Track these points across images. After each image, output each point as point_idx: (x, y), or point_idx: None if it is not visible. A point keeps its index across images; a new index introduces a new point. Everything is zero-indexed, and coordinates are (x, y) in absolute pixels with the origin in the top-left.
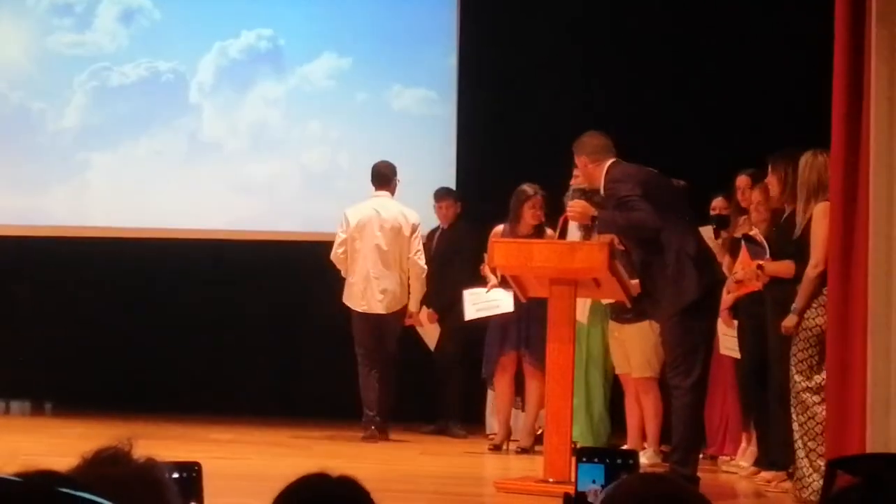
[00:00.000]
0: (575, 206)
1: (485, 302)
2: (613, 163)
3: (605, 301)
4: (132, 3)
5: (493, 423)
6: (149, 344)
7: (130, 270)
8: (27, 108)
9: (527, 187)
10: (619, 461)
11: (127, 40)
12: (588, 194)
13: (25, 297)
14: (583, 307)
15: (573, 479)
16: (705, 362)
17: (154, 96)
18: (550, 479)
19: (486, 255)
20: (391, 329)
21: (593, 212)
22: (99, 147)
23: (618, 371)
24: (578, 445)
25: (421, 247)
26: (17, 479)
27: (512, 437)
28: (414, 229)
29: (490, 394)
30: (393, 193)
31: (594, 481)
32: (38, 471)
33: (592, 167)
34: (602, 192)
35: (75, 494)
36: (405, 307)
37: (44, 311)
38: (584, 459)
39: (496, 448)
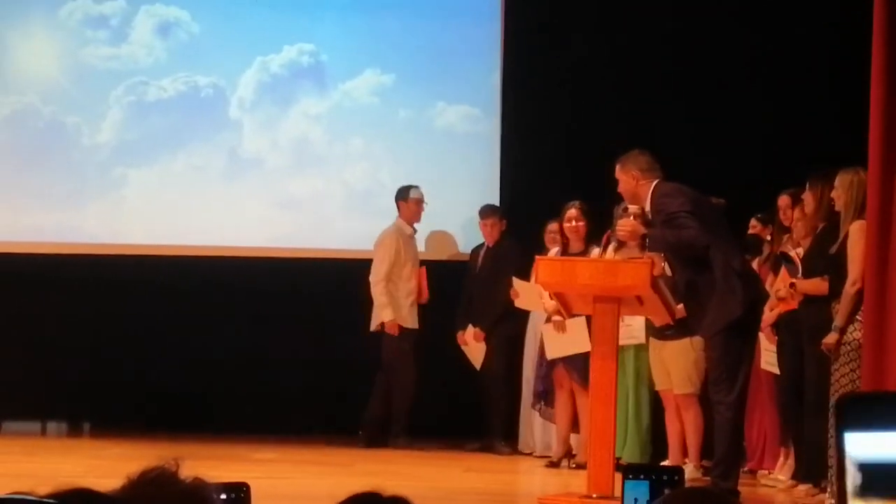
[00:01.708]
0: (625, 224)
1: (566, 341)
2: (660, 181)
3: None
4: (169, 15)
5: (528, 439)
6: (188, 363)
7: (169, 288)
8: (61, 123)
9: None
10: (664, 478)
11: (164, 54)
12: (642, 213)
13: (61, 315)
14: (640, 327)
15: (617, 495)
16: (746, 378)
17: (193, 111)
18: (594, 495)
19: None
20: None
21: (643, 230)
22: (136, 163)
23: (658, 387)
24: (622, 461)
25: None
26: (51, 501)
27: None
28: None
29: (529, 410)
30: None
31: (636, 500)
32: (74, 489)
33: (640, 185)
34: (649, 209)
35: None
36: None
37: (80, 330)
38: (630, 476)
39: (554, 465)
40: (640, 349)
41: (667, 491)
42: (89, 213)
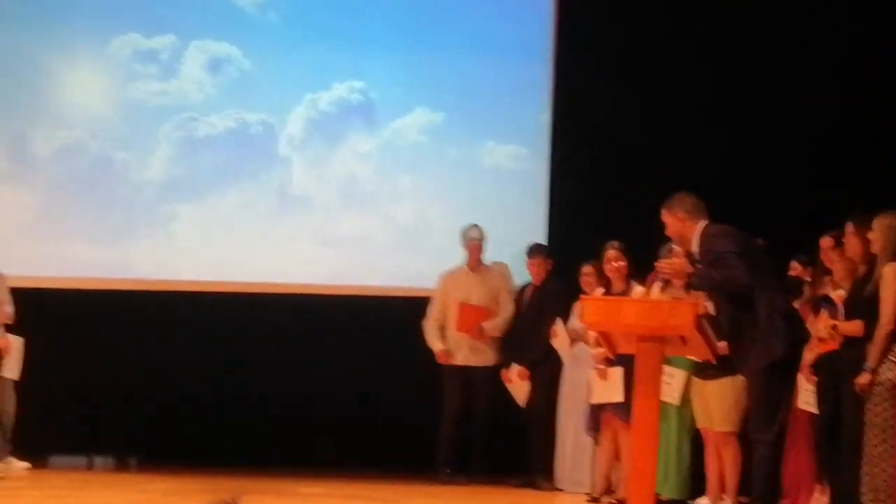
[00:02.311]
0: (671, 264)
1: (606, 388)
2: (708, 223)
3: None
4: (220, 51)
5: (561, 473)
6: (234, 398)
7: (217, 324)
8: (109, 158)
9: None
10: None
11: (214, 90)
12: (688, 254)
13: (108, 350)
14: (679, 386)
15: None
16: (785, 417)
17: (242, 148)
18: None
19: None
20: None
21: (689, 269)
22: (184, 199)
23: (699, 425)
24: (662, 497)
25: None
26: None
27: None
28: None
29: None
30: None
31: None
32: None
33: (687, 225)
34: (697, 249)
35: None
36: None
37: (127, 365)
38: None
39: (594, 500)
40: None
41: None
42: (137, 249)
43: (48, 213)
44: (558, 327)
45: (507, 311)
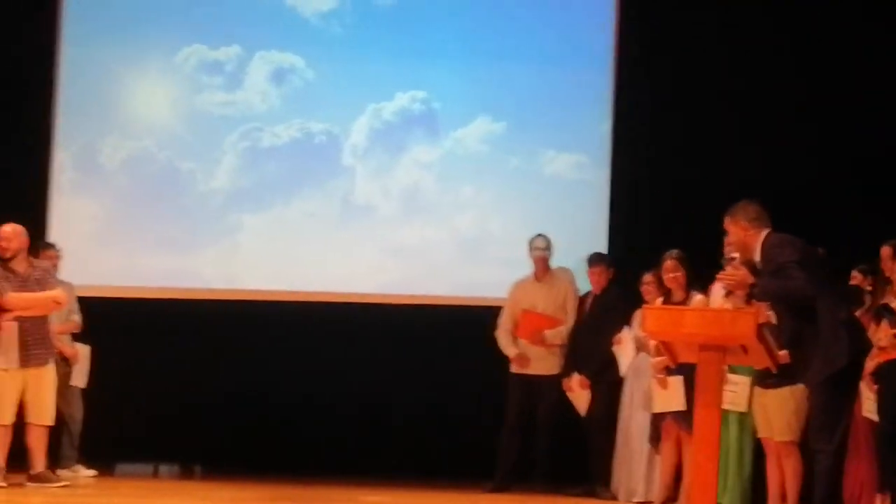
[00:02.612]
0: (733, 275)
1: (666, 397)
2: (770, 232)
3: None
4: (284, 62)
5: (620, 483)
6: (297, 406)
7: (281, 333)
8: (176, 168)
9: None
10: None
11: (279, 100)
12: (750, 263)
13: (174, 359)
14: (744, 394)
15: None
16: (846, 427)
17: (306, 158)
18: None
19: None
20: None
21: (750, 280)
22: (250, 208)
23: (760, 434)
24: None
25: None
26: None
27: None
28: None
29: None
30: None
31: None
32: None
33: (750, 234)
34: (759, 259)
35: None
36: None
37: (192, 374)
38: None
39: None
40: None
41: None
42: (203, 259)
43: (115, 222)
44: (624, 334)
45: (571, 319)
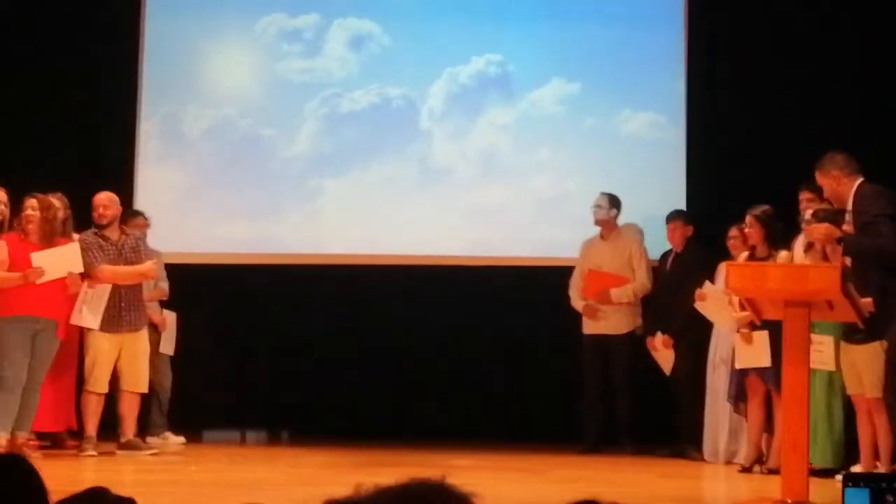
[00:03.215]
0: (819, 228)
1: (751, 353)
2: (864, 181)
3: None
4: (362, 29)
5: (713, 444)
6: (383, 371)
7: (364, 297)
8: (257, 135)
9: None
10: (884, 485)
11: (357, 66)
12: (833, 215)
13: (259, 325)
14: (830, 353)
15: (813, 501)
16: None
17: (384, 122)
18: (788, 501)
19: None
20: None
21: (838, 234)
22: (330, 174)
23: (850, 391)
24: (814, 466)
25: None
26: None
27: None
28: None
29: (711, 414)
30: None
31: None
32: (339, 501)
33: (843, 183)
34: (850, 209)
35: None
36: None
37: (278, 340)
38: (850, 484)
39: (746, 470)
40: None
41: (890, 499)
42: (285, 224)
43: (199, 190)
44: (706, 289)
45: (639, 277)
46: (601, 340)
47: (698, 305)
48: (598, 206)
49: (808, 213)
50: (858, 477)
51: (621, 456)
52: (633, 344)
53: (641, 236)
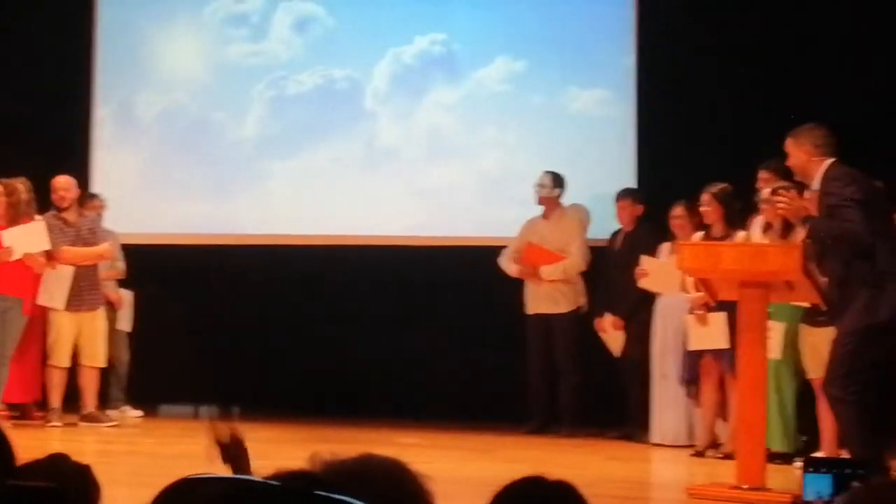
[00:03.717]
0: (790, 197)
1: (706, 334)
2: (835, 162)
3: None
4: (306, 11)
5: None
6: (331, 348)
7: (312, 276)
8: (207, 119)
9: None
10: (847, 471)
11: (302, 49)
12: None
13: (210, 303)
14: (778, 340)
15: (769, 486)
16: (878, 381)
17: (330, 104)
18: (744, 486)
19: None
20: None
21: (807, 211)
22: (278, 155)
23: (811, 375)
24: (770, 451)
25: None
26: (274, 482)
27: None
28: None
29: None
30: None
31: (819, 494)
32: (293, 472)
33: (812, 161)
34: (819, 189)
35: (333, 497)
36: None
37: (230, 317)
38: (811, 469)
39: (699, 454)
40: (785, 336)
41: (854, 485)
42: (236, 205)
43: (152, 173)
44: (646, 264)
45: (572, 254)
46: (544, 320)
47: (641, 283)
48: (541, 185)
49: (765, 192)
50: (820, 462)
51: (568, 437)
52: (577, 323)
53: (586, 216)
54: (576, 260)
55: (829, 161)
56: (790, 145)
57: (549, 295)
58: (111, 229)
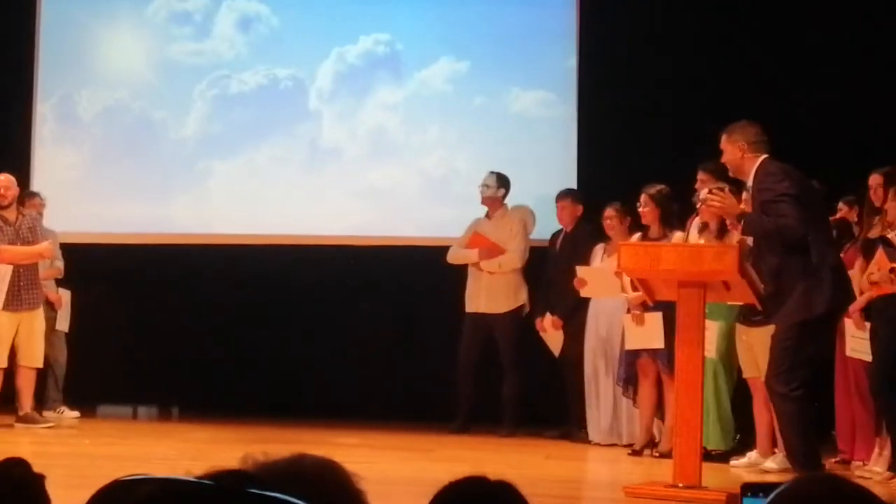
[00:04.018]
0: (723, 197)
1: (643, 334)
2: (768, 158)
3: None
4: (250, 10)
5: (597, 426)
6: (272, 349)
7: (252, 277)
8: (149, 117)
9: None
10: None
11: (245, 48)
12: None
13: (150, 303)
14: (712, 339)
15: (705, 485)
16: (814, 375)
17: (273, 103)
18: (680, 484)
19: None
20: None
21: (740, 209)
22: (220, 155)
23: (746, 375)
24: (709, 450)
25: None
26: (207, 481)
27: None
28: None
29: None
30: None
31: None
32: (226, 471)
33: (746, 158)
34: (751, 185)
35: (266, 494)
36: None
37: (169, 318)
38: (749, 494)
39: (636, 453)
40: (722, 335)
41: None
42: (177, 205)
43: (93, 171)
44: (582, 274)
45: (510, 251)
46: (482, 319)
47: (583, 292)
48: (485, 186)
49: (703, 192)
50: (758, 487)
51: (508, 437)
52: (518, 323)
53: (529, 217)
54: (512, 256)
55: (763, 157)
56: (724, 142)
57: (490, 293)
58: (50, 228)
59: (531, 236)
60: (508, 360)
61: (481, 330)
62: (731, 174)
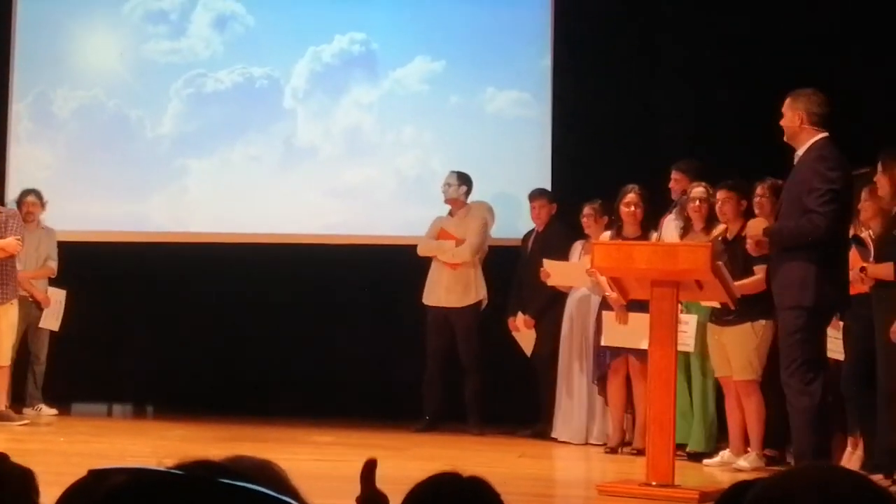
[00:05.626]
0: (752, 237)
1: (624, 333)
2: (827, 139)
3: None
4: (225, 9)
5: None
6: (247, 347)
7: (228, 275)
8: (125, 116)
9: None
10: None
11: (221, 47)
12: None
13: (126, 301)
14: (692, 334)
15: (678, 483)
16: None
17: (249, 102)
18: (653, 483)
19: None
20: None
21: (762, 228)
22: (195, 153)
23: (718, 374)
24: (689, 450)
25: None
26: (178, 471)
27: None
28: None
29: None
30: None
31: None
32: (197, 461)
33: (804, 129)
34: (801, 156)
35: (236, 484)
36: None
37: (144, 316)
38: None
39: (612, 451)
40: (701, 327)
41: None
42: (152, 203)
43: (69, 170)
44: (548, 267)
45: (466, 242)
46: (442, 313)
47: (549, 282)
48: (447, 185)
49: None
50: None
51: (480, 436)
52: (478, 318)
53: (489, 213)
54: (464, 247)
55: (822, 136)
56: (787, 106)
57: (448, 287)
58: (50, 227)
59: (494, 233)
60: (468, 357)
61: (442, 324)
62: (785, 139)
